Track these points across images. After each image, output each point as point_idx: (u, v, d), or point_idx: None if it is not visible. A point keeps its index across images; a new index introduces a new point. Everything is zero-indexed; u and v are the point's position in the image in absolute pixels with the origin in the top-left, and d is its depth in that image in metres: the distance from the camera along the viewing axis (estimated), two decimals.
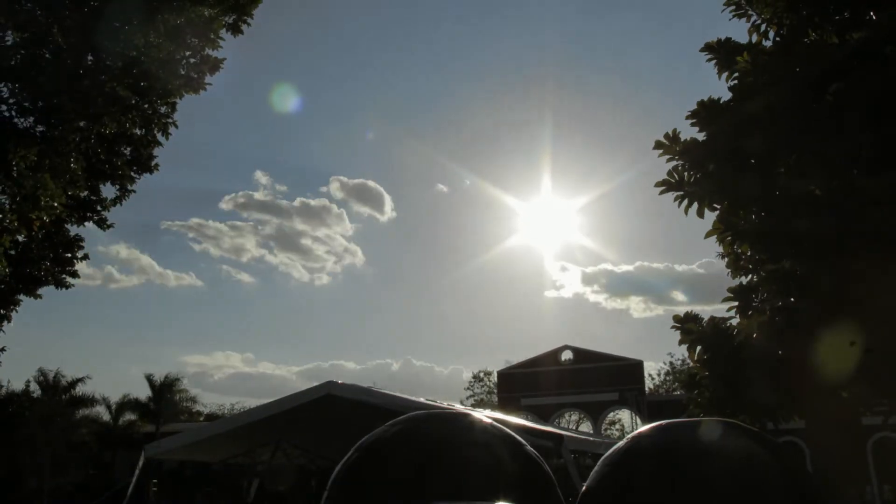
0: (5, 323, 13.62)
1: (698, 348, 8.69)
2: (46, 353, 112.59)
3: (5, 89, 12.19)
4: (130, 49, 12.29)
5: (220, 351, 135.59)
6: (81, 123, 12.69)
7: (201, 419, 59.14)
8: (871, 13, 7.78)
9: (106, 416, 51.37)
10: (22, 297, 14.00)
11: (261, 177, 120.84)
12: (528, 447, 7.58)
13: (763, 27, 8.75)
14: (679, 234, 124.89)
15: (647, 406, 45.28)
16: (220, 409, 66.83)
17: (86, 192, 14.07)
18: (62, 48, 11.99)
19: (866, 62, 7.41)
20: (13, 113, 12.38)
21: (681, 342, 8.78)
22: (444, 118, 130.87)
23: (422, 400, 22.38)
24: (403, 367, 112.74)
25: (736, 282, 8.74)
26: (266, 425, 22.72)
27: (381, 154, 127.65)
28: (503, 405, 48.97)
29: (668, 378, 69.60)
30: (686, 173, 8.51)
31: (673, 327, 8.80)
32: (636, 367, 48.22)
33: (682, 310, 9.04)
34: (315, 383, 19.51)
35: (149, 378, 51.89)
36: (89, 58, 12.18)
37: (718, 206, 8.30)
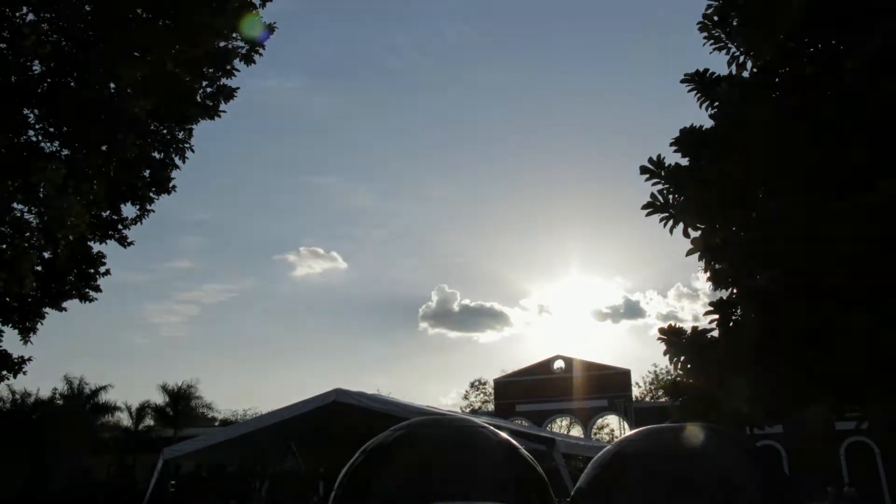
0: (32, 334, 13.60)
1: (682, 358, 8.67)
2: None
3: (32, 115, 12.21)
4: (150, 78, 12.32)
5: None
6: (104, 148, 12.72)
7: (216, 424, 59.00)
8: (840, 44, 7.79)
9: (127, 422, 51.52)
10: (48, 310, 13.98)
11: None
12: (523, 450, 7.57)
13: (741, 59, 8.76)
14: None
15: (633, 412, 45.21)
16: (233, 415, 66.64)
17: (108, 212, 14.09)
18: (86, 77, 12.01)
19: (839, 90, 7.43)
20: (39, 137, 12.40)
21: (665, 352, 8.76)
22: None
23: (423, 406, 22.41)
24: None
25: (716, 296, 8.72)
26: (276, 430, 22.72)
27: None
28: (500, 411, 48.91)
29: (653, 386, 69.61)
30: (670, 196, 8.53)
31: (658, 338, 8.79)
32: (624, 375, 48.21)
33: None
34: None
35: (163, 386, 51.97)
36: (111, 86, 12.20)
37: (701, 227, 8.30)
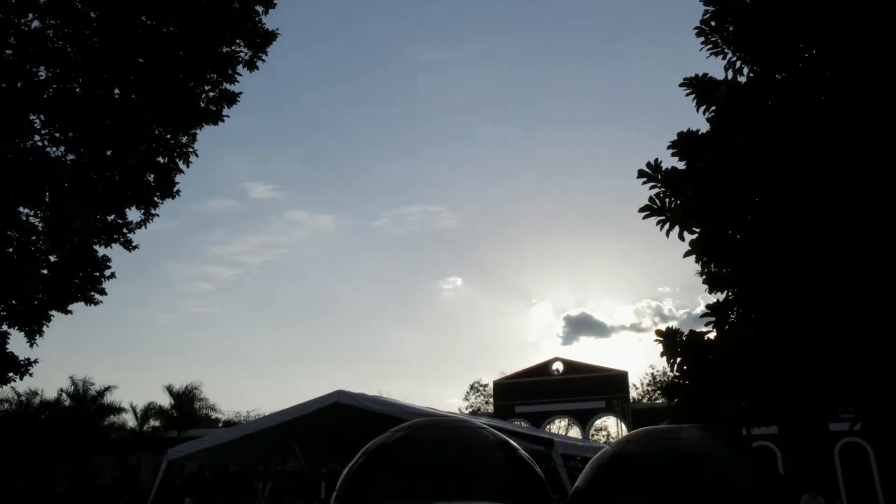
0: (37, 336, 13.58)
1: (678, 360, 8.67)
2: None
3: (38, 121, 12.21)
4: (154, 83, 12.33)
5: None
6: (109, 153, 12.72)
7: (219, 426, 59.05)
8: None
9: (132, 422, 51.64)
10: (54, 312, 13.95)
11: None
12: (522, 451, 7.56)
13: (738, 64, 8.75)
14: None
15: (631, 413, 45.16)
16: (236, 416, 66.69)
17: (113, 216, 14.07)
18: (91, 83, 12.02)
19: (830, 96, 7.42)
20: (45, 143, 12.40)
21: (662, 354, 8.76)
22: None
23: (423, 408, 22.38)
24: None
25: (713, 298, 8.72)
26: (279, 431, 22.68)
27: None
28: (499, 412, 48.90)
29: (650, 388, 69.66)
30: (667, 199, 8.53)
31: (656, 340, 8.79)
32: (622, 377, 48.19)
33: None
34: None
35: (168, 388, 52.09)
36: (116, 91, 12.21)
37: (697, 230, 8.29)
